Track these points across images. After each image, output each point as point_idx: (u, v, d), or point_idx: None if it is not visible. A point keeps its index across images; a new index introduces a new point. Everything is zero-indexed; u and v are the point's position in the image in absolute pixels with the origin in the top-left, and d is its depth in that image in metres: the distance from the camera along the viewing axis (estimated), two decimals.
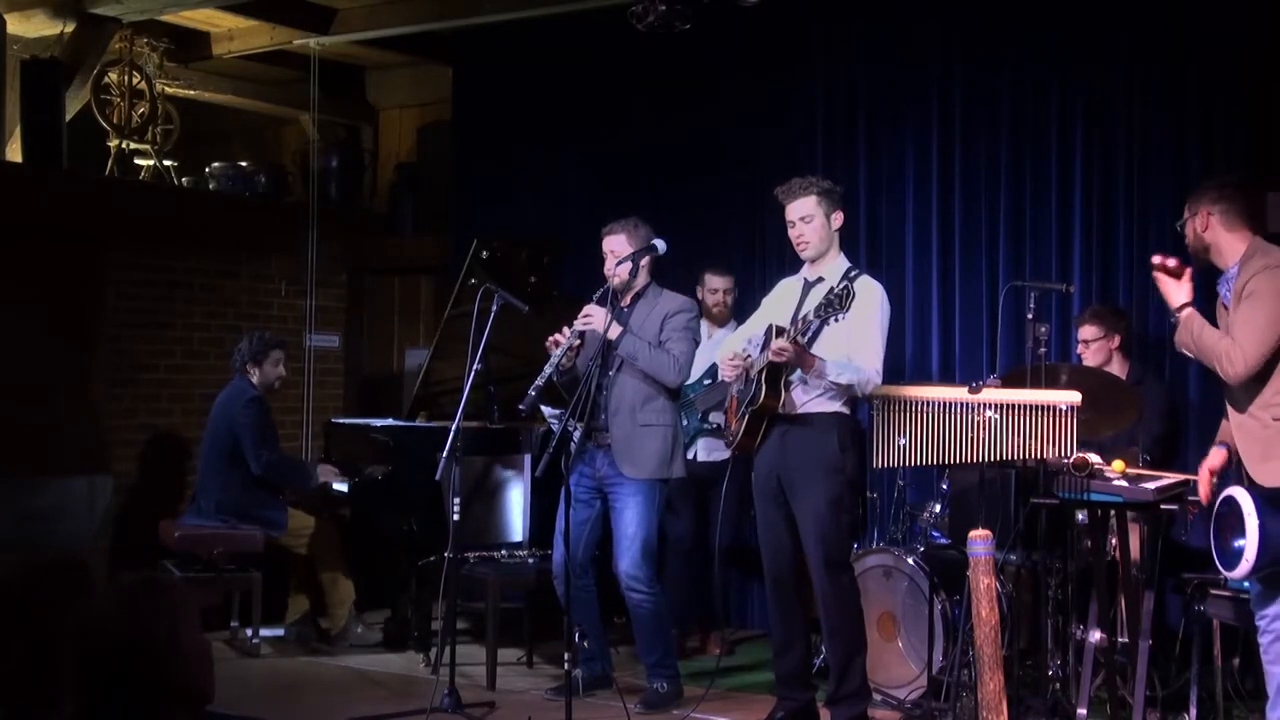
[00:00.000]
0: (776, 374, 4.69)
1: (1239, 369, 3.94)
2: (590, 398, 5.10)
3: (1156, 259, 4.23)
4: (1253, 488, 3.95)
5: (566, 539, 5.15)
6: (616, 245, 5.33)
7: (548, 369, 5.23)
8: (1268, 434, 3.96)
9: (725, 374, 4.93)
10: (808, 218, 4.84)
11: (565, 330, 5.29)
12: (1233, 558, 3.89)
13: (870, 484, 5.92)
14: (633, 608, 5.30)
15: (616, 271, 5.25)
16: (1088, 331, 5.45)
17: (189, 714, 2.14)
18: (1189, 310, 4.12)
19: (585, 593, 5.41)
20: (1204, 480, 4.24)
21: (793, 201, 4.86)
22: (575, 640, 5.03)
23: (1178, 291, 4.16)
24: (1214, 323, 4.18)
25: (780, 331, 4.65)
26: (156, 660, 2.08)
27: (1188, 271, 4.18)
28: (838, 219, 4.89)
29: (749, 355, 4.84)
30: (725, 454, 5.84)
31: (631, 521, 5.24)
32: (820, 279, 4.85)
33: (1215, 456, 4.26)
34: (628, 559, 5.25)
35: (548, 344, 5.32)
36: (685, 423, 5.84)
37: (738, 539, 6.20)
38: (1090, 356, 5.41)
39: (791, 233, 4.90)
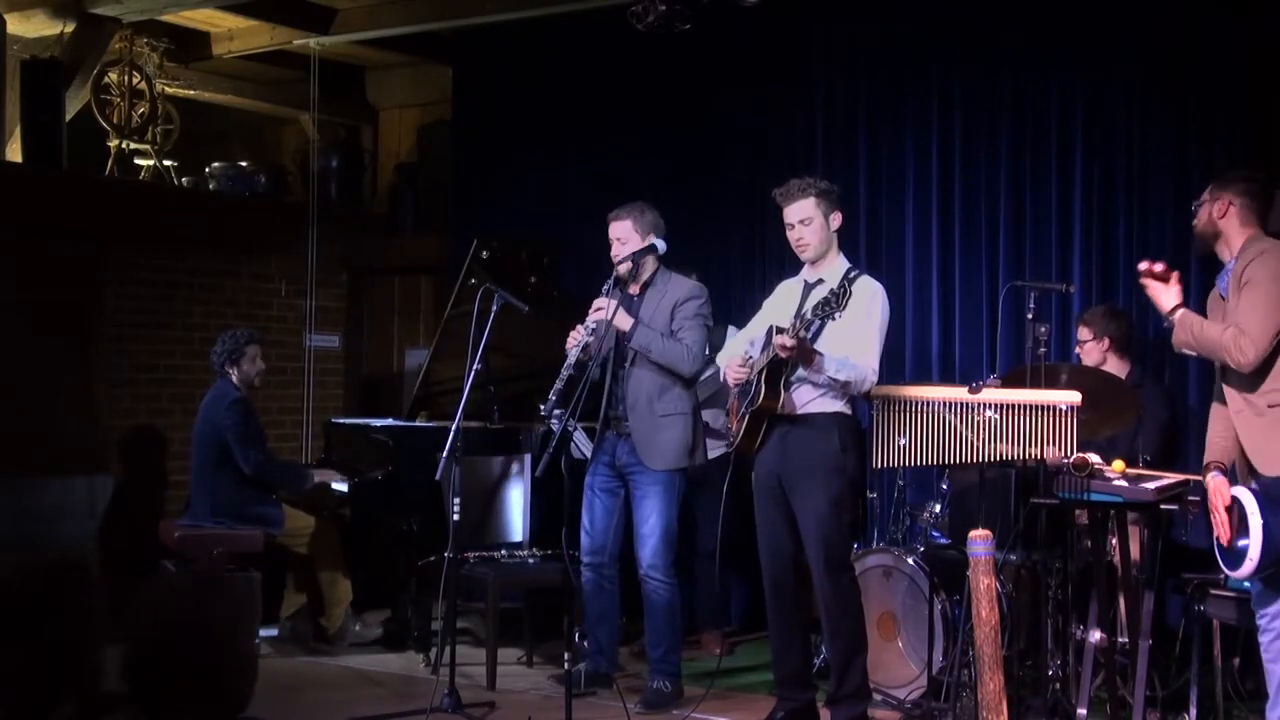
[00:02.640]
0: (776, 375, 4.69)
1: (1250, 356, 3.93)
2: (588, 394, 5.11)
3: (1143, 265, 4.22)
4: (1254, 477, 3.96)
5: (571, 525, 5.16)
6: (622, 231, 5.34)
7: (565, 370, 5.23)
8: (1264, 421, 3.96)
9: (730, 378, 4.92)
10: (806, 220, 4.83)
11: (579, 328, 5.29)
12: (1236, 557, 3.90)
13: (870, 484, 5.92)
14: (649, 594, 5.31)
15: (617, 267, 5.26)
16: (1081, 333, 5.47)
17: (222, 713, 2.15)
18: (1182, 311, 4.12)
19: (609, 583, 5.44)
20: (1224, 523, 3.98)
21: (791, 204, 4.85)
22: (575, 640, 5.03)
23: (1167, 295, 4.16)
24: (1207, 316, 4.18)
25: (780, 332, 4.64)
26: (209, 650, 2.15)
27: (1174, 275, 4.18)
28: (836, 219, 4.88)
29: (751, 357, 4.84)
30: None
31: (652, 510, 5.26)
32: (820, 280, 4.84)
33: (1222, 489, 4.03)
34: (648, 549, 5.27)
35: (569, 345, 5.31)
36: None
37: (736, 539, 6.20)
38: (1085, 356, 5.42)
39: (790, 235, 4.89)
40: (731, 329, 5.97)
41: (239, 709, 2.18)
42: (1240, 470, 4.07)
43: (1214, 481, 4.07)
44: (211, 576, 2.19)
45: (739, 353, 4.92)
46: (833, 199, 4.86)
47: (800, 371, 4.70)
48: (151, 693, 2.10)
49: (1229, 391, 4.09)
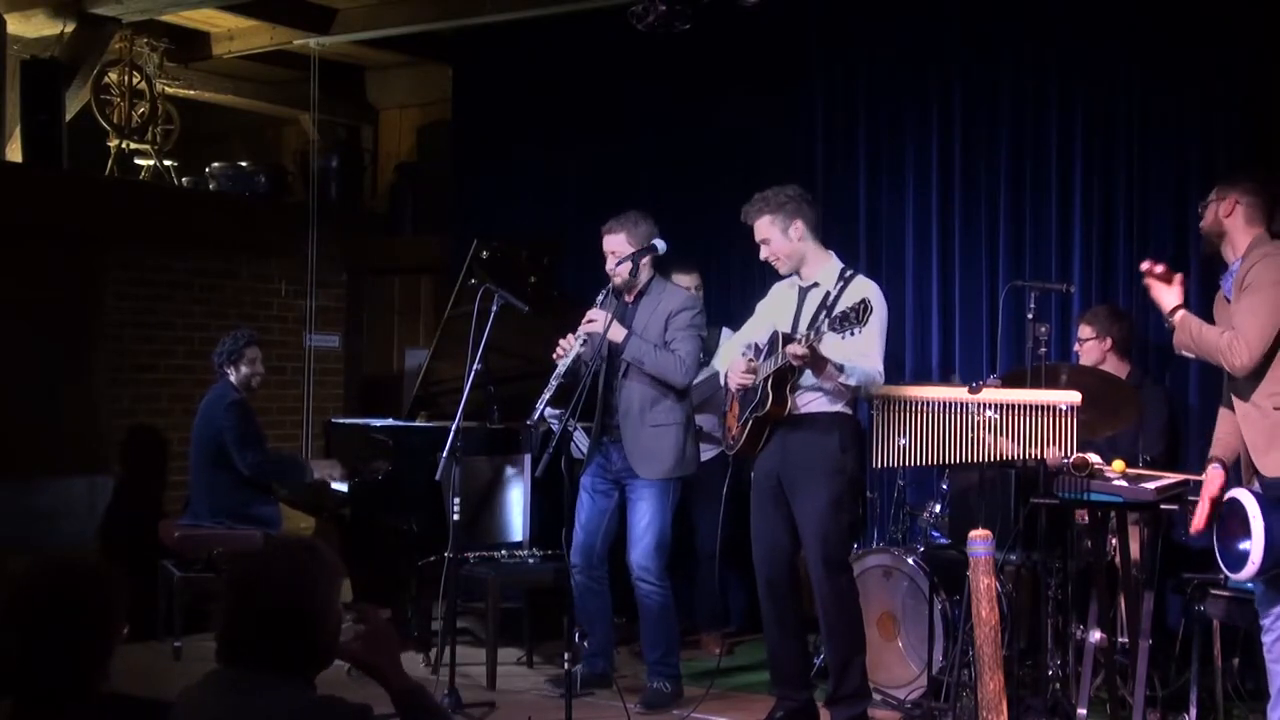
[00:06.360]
0: (783, 381, 4.67)
1: (1244, 359, 3.96)
2: (586, 395, 5.11)
3: (1145, 265, 4.26)
4: (1258, 478, 3.97)
5: (569, 530, 5.16)
6: (616, 244, 5.33)
7: (554, 380, 5.23)
8: (1269, 423, 3.98)
9: (734, 383, 4.88)
10: (765, 240, 4.86)
11: (569, 337, 5.28)
12: (1237, 560, 3.90)
13: (870, 484, 5.91)
14: (641, 599, 5.32)
15: (617, 271, 5.25)
16: (1082, 330, 5.47)
17: (314, 670, 2.49)
18: (1182, 313, 4.15)
19: (599, 584, 5.44)
20: (1203, 513, 4.12)
21: (751, 224, 4.89)
22: (575, 640, 5.03)
23: (1169, 295, 4.19)
24: (1210, 317, 4.20)
25: (789, 339, 4.61)
26: (309, 615, 2.41)
27: (1178, 277, 4.21)
28: (796, 229, 4.83)
29: (753, 361, 4.81)
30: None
31: (646, 513, 5.27)
32: (815, 283, 4.83)
33: (1214, 481, 4.13)
34: (640, 549, 5.27)
35: (555, 355, 5.30)
36: None
37: (736, 539, 6.19)
38: (1085, 355, 5.42)
39: (761, 255, 4.91)
40: (726, 331, 5.96)
41: (329, 661, 2.56)
42: (1245, 472, 4.08)
43: (1212, 472, 4.15)
44: (308, 548, 2.42)
45: (740, 356, 4.89)
46: (789, 209, 4.82)
47: (809, 378, 4.68)
48: (252, 647, 2.40)
49: (1235, 397, 4.10)
